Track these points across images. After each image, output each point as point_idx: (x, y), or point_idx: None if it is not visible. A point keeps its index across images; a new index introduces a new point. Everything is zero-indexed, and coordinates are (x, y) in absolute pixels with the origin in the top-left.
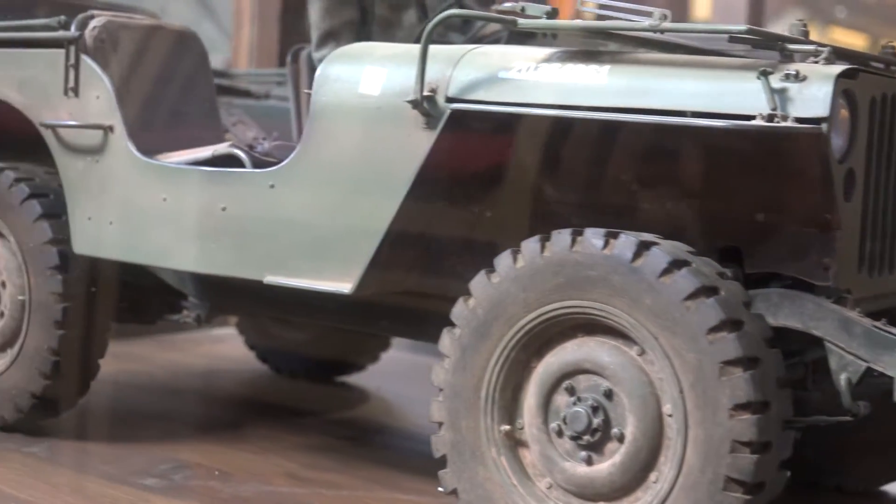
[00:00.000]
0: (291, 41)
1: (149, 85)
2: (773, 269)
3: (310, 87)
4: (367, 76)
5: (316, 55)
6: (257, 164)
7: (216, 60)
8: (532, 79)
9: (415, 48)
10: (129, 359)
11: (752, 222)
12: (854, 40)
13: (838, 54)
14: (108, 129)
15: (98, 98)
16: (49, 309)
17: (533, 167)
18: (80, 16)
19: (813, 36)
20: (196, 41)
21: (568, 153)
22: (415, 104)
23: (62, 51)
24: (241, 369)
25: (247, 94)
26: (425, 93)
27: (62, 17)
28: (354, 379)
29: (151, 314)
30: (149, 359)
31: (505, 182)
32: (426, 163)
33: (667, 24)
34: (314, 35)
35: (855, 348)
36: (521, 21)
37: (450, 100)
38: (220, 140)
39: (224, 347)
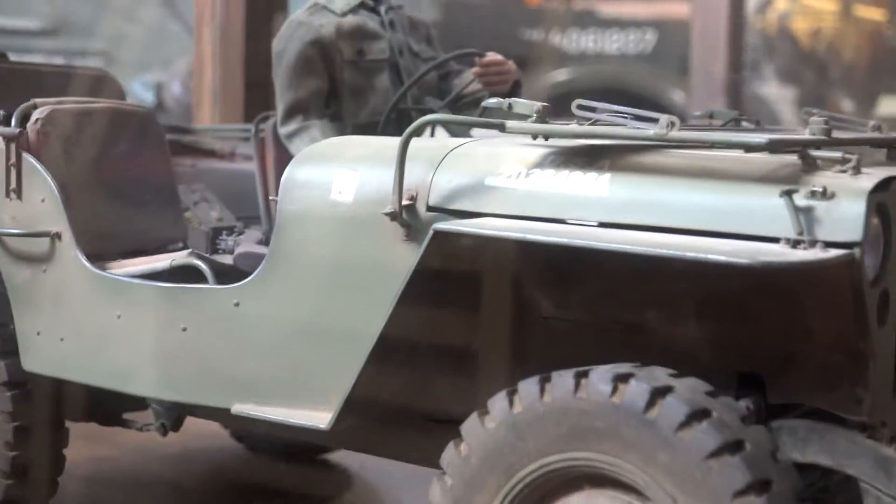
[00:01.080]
0: (257, 88)
1: (102, 177)
2: (800, 400)
3: (277, 160)
4: (338, 181)
5: (282, 130)
6: (220, 273)
7: (183, 63)
8: (523, 187)
9: (390, 146)
10: (94, 440)
11: (774, 348)
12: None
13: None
14: (55, 237)
15: (43, 201)
16: None
17: (529, 282)
18: (22, 107)
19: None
20: (152, 121)
21: (568, 267)
22: (393, 216)
23: (2, 146)
24: (215, 447)
25: (210, 153)
26: (404, 202)
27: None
28: (336, 456)
29: (112, 417)
30: (114, 440)
31: (498, 297)
32: (409, 283)
33: (675, 133)
34: (279, 107)
35: (894, 490)
36: (509, 125)
37: (431, 209)
38: (181, 230)
39: (196, 423)
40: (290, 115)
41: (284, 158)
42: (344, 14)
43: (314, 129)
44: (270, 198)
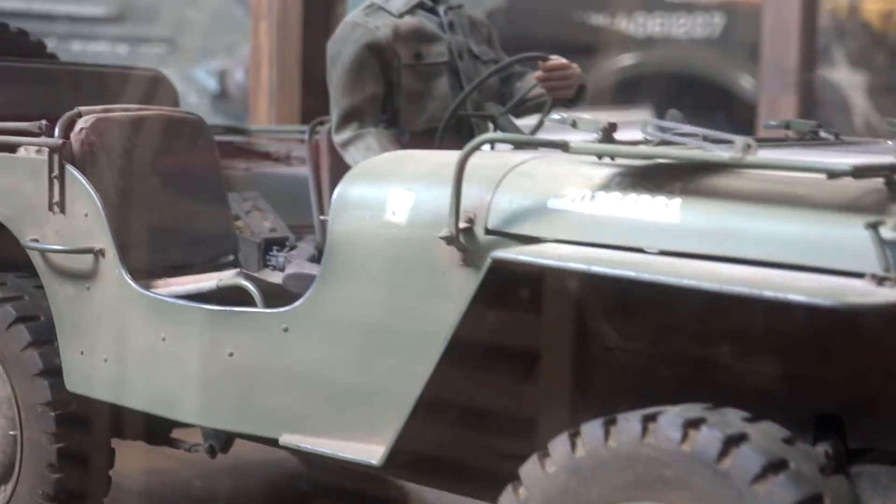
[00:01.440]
0: (315, 88)
1: (150, 189)
2: (882, 444)
3: (332, 168)
4: (392, 201)
5: (337, 138)
6: (269, 294)
7: (246, 50)
8: (588, 211)
9: (447, 164)
10: (147, 451)
11: (855, 388)
12: None
13: None
14: (98, 253)
15: (87, 216)
16: (42, 449)
17: (593, 311)
18: (66, 116)
19: None
20: (200, 126)
21: (634, 296)
22: (449, 240)
23: (44, 157)
24: (270, 462)
25: (265, 156)
26: (461, 225)
27: (42, 122)
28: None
29: (160, 436)
30: (167, 451)
31: (560, 325)
32: (467, 313)
33: (752, 158)
34: (334, 113)
35: None
36: (573, 145)
37: (490, 232)
38: (232, 242)
39: None
40: (345, 121)
41: (339, 166)
42: (401, 15)
43: (370, 137)
44: (321, 217)
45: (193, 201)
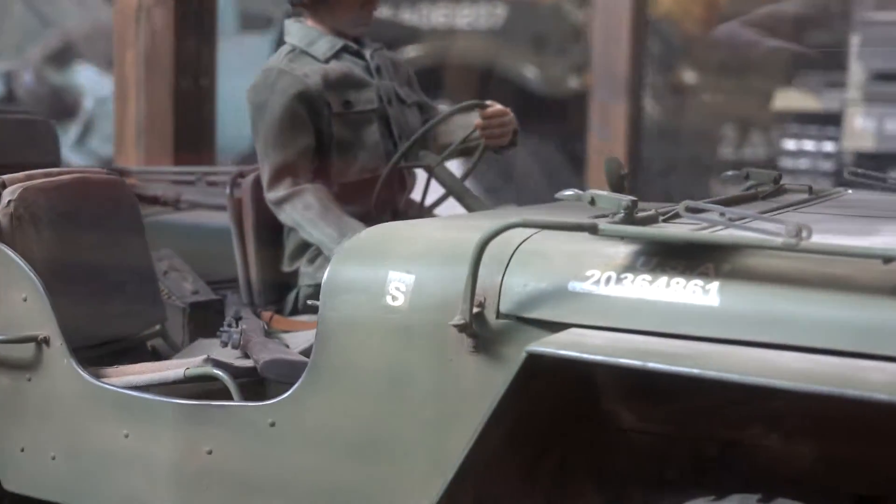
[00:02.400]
0: (187, 118)
1: (77, 260)
2: None
3: (256, 224)
4: (390, 283)
5: (270, 195)
6: (239, 378)
7: (36, 52)
8: (615, 294)
9: (445, 240)
10: None
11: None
12: None
13: None
14: (42, 342)
15: (25, 300)
16: None
17: (607, 392)
18: None
19: None
20: (124, 189)
21: (656, 379)
22: (463, 328)
23: None
24: None
25: (154, 200)
26: (474, 310)
27: None
28: None
29: None
30: None
31: (571, 406)
32: (496, 412)
33: (807, 244)
34: (265, 170)
35: None
36: (602, 226)
37: (503, 316)
38: (160, 309)
39: None
40: (278, 178)
41: (265, 222)
42: (327, 60)
43: (307, 194)
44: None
45: (121, 269)
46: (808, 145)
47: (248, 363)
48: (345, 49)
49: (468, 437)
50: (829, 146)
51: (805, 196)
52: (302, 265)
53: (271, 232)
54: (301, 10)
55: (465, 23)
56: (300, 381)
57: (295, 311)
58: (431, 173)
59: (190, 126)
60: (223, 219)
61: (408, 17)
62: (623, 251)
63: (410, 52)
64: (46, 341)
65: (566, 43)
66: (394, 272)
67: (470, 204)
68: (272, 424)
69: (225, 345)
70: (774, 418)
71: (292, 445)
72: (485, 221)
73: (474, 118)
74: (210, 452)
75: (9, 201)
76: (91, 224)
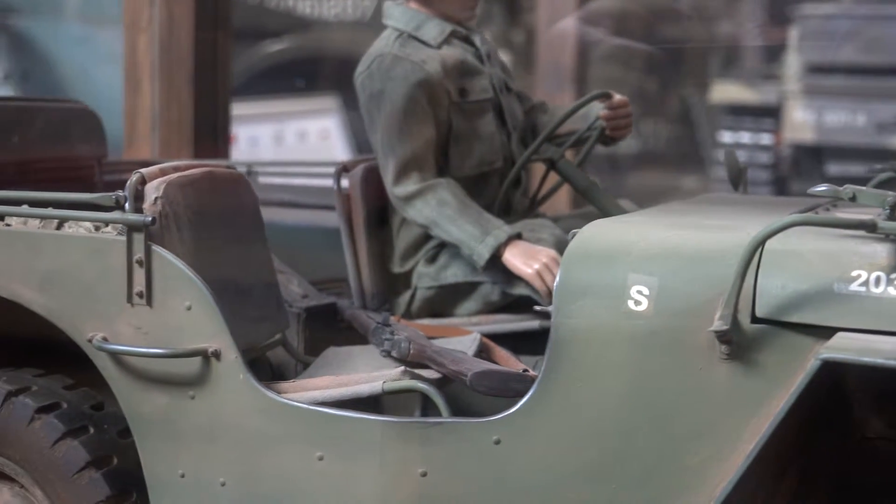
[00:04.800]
0: (205, 108)
1: (213, 263)
2: None
3: (367, 221)
4: (632, 287)
5: (397, 191)
6: (449, 400)
7: None
8: (889, 295)
9: (690, 239)
10: None
11: None
12: None
13: None
14: (212, 356)
15: (189, 309)
16: None
17: (858, 399)
18: (132, 182)
19: None
20: (247, 186)
21: None
22: (723, 335)
23: (112, 236)
24: None
25: None
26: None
27: (121, 193)
28: None
29: None
30: None
31: (814, 413)
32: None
33: None
34: (390, 165)
35: None
36: (882, 224)
37: (758, 320)
38: (284, 315)
39: None
40: (405, 172)
41: (374, 218)
42: (439, 45)
43: (441, 189)
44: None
45: (248, 272)
46: (745, 137)
47: (431, 374)
48: (453, 34)
49: (717, 451)
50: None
51: None
52: (420, 265)
53: (379, 227)
54: None
55: (333, 14)
56: (530, 393)
57: (408, 315)
58: (553, 167)
59: (208, 116)
60: (299, 216)
61: (273, 6)
62: (883, 249)
63: (275, 45)
64: (217, 355)
65: None
66: (635, 274)
67: (597, 198)
68: (497, 442)
69: (388, 354)
70: None
71: (520, 465)
72: (719, 219)
73: (593, 109)
74: (424, 475)
75: (156, 198)
76: (220, 223)
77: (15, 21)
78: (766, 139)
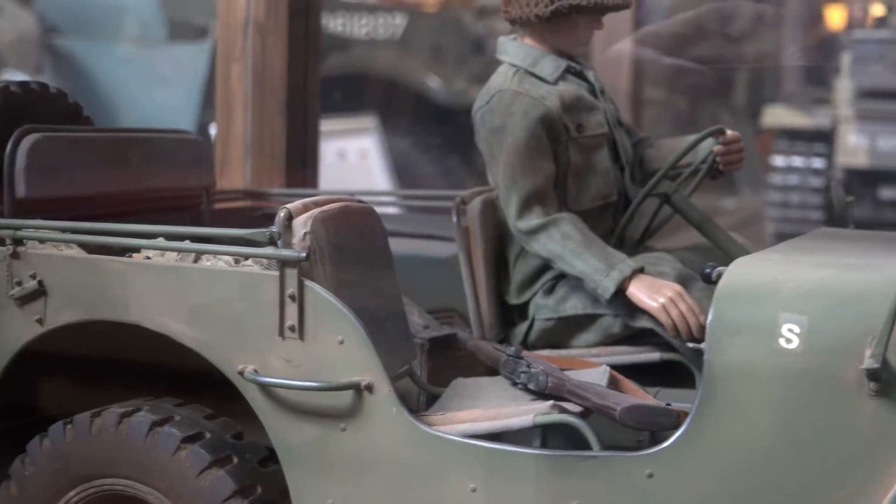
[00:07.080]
0: (295, 137)
1: (352, 296)
2: None
3: (485, 253)
4: (782, 325)
5: (522, 225)
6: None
7: None
8: None
9: (840, 278)
10: None
11: None
12: None
13: None
14: (364, 389)
15: (342, 343)
16: None
17: None
18: (281, 217)
19: None
20: (377, 219)
21: None
22: (873, 373)
23: (259, 270)
24: None
25: None
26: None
27: (274, 230)
28: None
29: None
30: None
31: None
32: None
33: None
34: (513, 199)
35: None
36: None
37: None
38: (412, 347)
39: None
40: (528, 206)
41: (494, 250)
42: (556, 81)
43: (565, 224)
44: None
45: (380, 305)
46: (797, 161)
47: (572, 407)
48: (567, 70)
49: (864, 486)
50: (817, 162)
51: None
52: (537, 297)
53: (498, 261)
54: (517, 28)
55: (364, 32)
56: (683, 427)
57: (525, 346)
58: (668, 201)
59: (298, 144)
60: (400, 245)
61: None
62: None
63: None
64: (370, 388)
65: (466, 54)
66: (785, 313)
67: (711, 232)
68: (650, 476)
69: (524, 386)
70: None
71: (673, 498)
72: (857, 258)
73: (703, 143)
74: None
75: (304, 234)
76: (356, 256)
77: (62, 41)
78: (817, 163)
